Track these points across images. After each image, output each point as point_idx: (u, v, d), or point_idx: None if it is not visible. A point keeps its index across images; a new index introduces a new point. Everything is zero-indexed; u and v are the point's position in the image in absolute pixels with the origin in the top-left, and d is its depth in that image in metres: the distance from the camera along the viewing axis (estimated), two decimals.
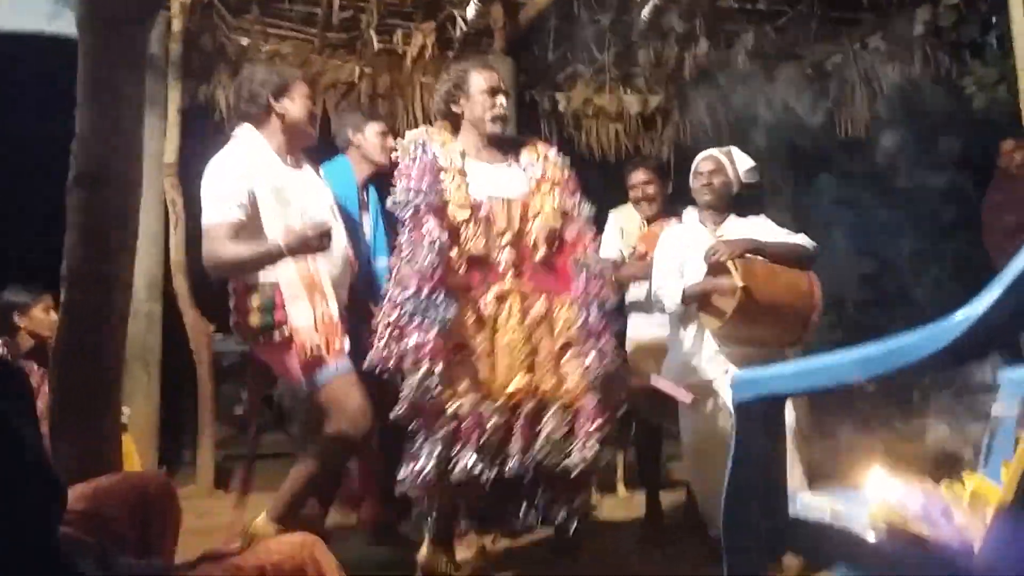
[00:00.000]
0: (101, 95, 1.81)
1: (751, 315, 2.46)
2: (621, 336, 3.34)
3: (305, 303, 2.20)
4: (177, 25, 4.11)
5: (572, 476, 2.25)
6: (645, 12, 3.68)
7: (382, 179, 2.75)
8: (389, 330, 2.16)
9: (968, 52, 4.83)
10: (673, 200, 3.38)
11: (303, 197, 2.36)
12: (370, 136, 2.90)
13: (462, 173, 2.35)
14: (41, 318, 3.22)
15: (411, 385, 2.11)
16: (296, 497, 2.24)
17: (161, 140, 4.01)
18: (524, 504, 2.29)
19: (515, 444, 2.20)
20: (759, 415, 1.41)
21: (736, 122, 5.22)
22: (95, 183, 1.80)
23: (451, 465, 2.13)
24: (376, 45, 4.51)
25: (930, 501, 1.24)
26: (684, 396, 2.58)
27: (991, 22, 4.80)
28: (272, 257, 2.16)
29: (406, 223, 2.25)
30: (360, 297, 2.57)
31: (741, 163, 2.86)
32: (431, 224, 2.20)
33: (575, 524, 2.30)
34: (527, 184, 2.42)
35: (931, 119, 5.83)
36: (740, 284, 2.44)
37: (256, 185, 2.25)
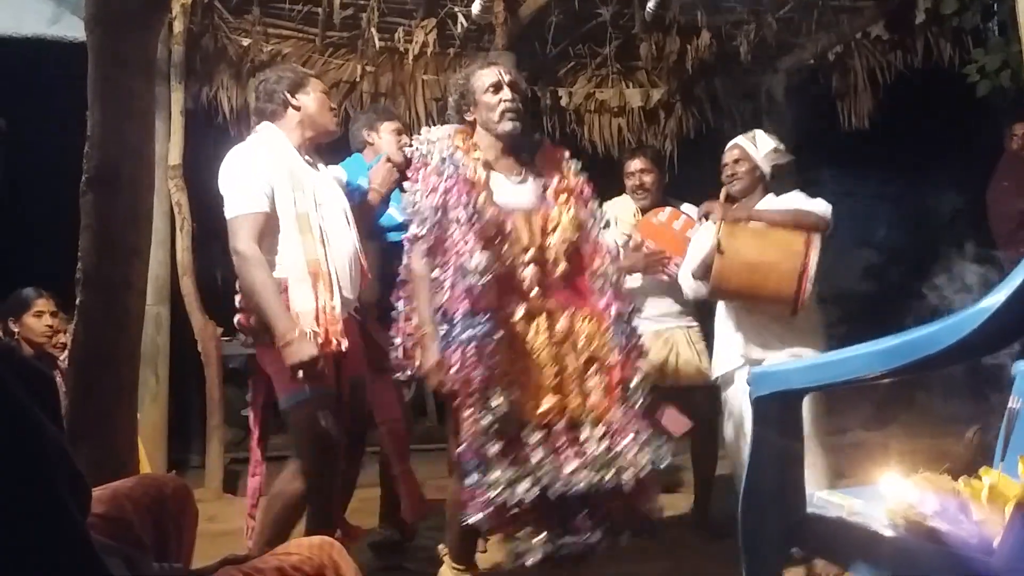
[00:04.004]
0: (111, 97, 1.81)
1: (734, 271, 2.51)
2: None
3: (308, 289, 2.16)
4: (178, 27, 4.10)
5: (629, 487, 2.18)
6: (650, 5, 3.66)
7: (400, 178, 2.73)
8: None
9: (970, 39, 4.80)
10: (675, 192, 3.39)
11: (319, 192, 2.34)
12: (384, 135, 2.89)
13: (488, 187, 2.26)
14: (32, 324, 3.17)
15: (481, 410, 2.06)
16: (276, 528, 2.20)
17: (165, 142, 4.00)
18: (585, 521, 2.19)
19: (567, 465, 2.13)
20: (776, 411, 1.41)
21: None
22: (108, 185, 1.80)
23: (512, 491, 2.05)
24: (377, 43, 4.50)
25: (948, 497, 1.23)
26: (684, 425, 2.49)
27: (992, 9, 4.77)
28: (270, 316, 2.11)
29: (429, 237, 2.19)
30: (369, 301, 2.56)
31: (764, 146, 2.84)
32: (471, 244, 2.13)
33: (648, 530, 2.26)
34: (543, 195, 2.34)
35: (934, 108, 5.82)
36: (714, 242, 2.52)
37: (275, 175, 2.24)
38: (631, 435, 2.20)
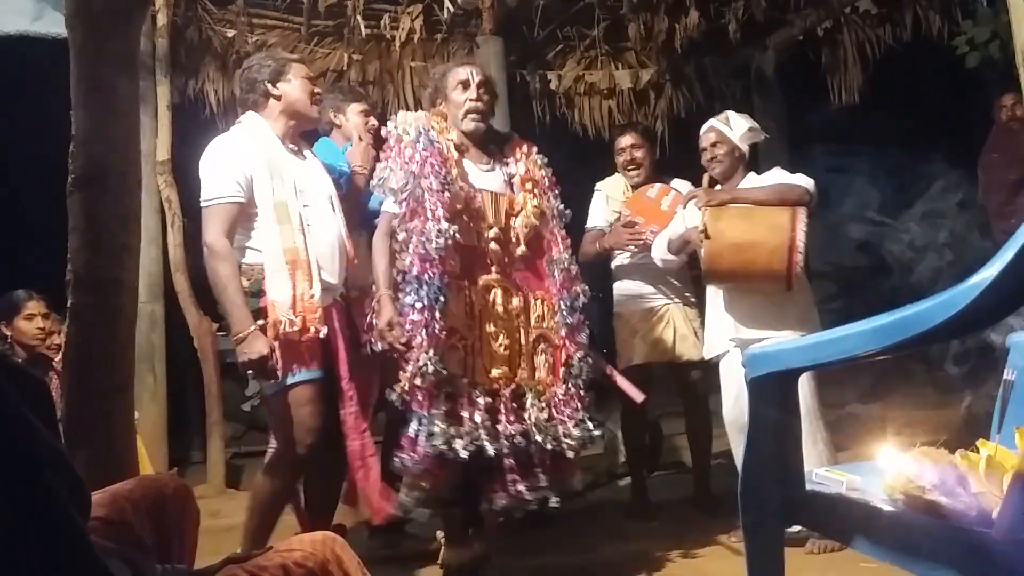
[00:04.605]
0: (95, 95, 1.79)
1: (723, 253, 2.52)
2: (608, 306, 3.37)
3: (286, 277, 2.18)
4: (162, 19, 4.07)
5: (564, 455, 2.36)
6: None
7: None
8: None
9: (959, 11, 4.79)
10: (666, 172, 3.38)
11: (300, 180, 2.33)
12: (352, 116, 2.89)
13: (459, 164, 2.40)
14: (24, 327, 3.14)
15: (416, 364, 2.17)
16: (260, 524, 2.22)
17: (152, 138, 3.97)
18: (515, 482, 2.33)
19: (504, 425, 2.29)
20: (773, 390, 1.41)
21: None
22: (95, 184, 1.78)
23: (451, 444, 2.18)
24: (363, 31, 4.46)
25: (945, 470, 1.24)
26: (637, 395, 2.71)
27: None
28: (228, 310, 2.14)
29: (402, 207, 2.30)
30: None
31: (739, 126, 2.84)
32: (440, 212, 2.26)
33: (557, 501, 2.38)
34: (509, 183, 2.50)
35: (924, 81, 5.80)
36: (700, 227, 2.54)
37: (253, 164, 2.24)
38: (570, 410, 2.38)
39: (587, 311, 3.40)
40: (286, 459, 2.21)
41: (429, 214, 2.26)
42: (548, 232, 2.49)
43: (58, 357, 3.14)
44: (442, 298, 2.22)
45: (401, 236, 2.30)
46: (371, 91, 4.68)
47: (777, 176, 2.78)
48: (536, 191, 2.50)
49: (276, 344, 2.16)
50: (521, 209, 2.44)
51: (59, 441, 1.05)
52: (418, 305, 2.20)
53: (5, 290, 3.25)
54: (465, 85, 2.43)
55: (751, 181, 2.81)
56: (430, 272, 2.22)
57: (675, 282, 3.23)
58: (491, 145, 2.55)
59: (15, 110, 4.26)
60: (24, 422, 0.87)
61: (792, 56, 5.26)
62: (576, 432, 2.37)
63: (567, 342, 2.42)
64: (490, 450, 2.22)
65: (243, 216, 2.21)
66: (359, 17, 4.41)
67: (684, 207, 2.81)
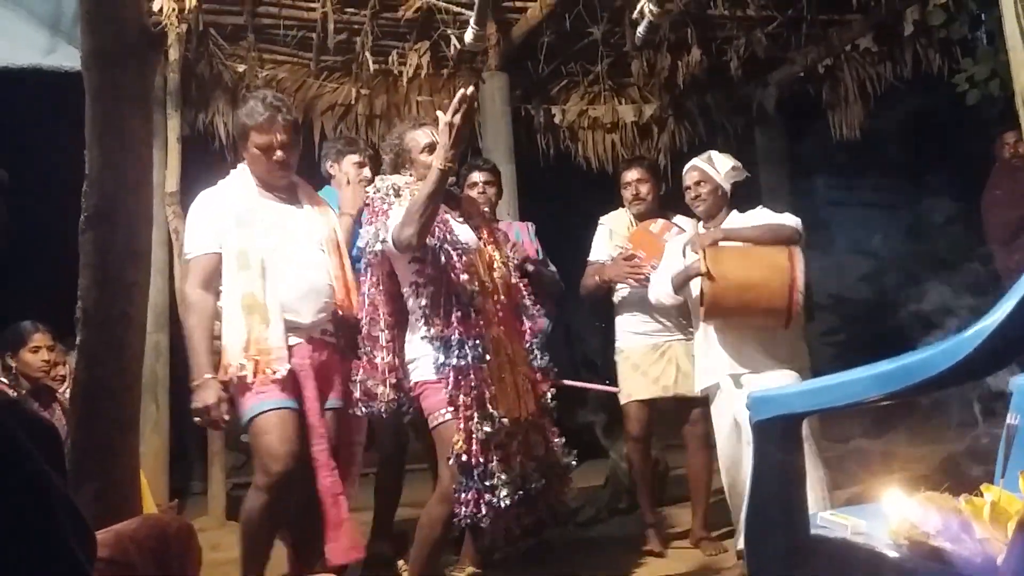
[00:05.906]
0: (109, 134, 1.82)
1: (726, 293, 2.58)
2: (610, 336, 3.38)
3: (240, 322, 2.23)
4: (174, 54, 4.12)
5: (556, 484, 2.44)
6: (640, 29, 3.70)
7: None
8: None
9: (958, 49, 4.85)
10: (668, 205, 3.41)
11: (280, 224, 2.37)
12: (346, 166, 2.94)
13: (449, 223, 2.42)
14: (29, 360, 3.16)
15: (478, 424, 2.21)
16: (249, 553, 2.22)
17: (162, 169, 4.01)
18: (527, 519, 2.41)
19: (528, 467, 2.33)
20: (776, 434, 1.42)
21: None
22: (107, 222, 1.81)
23: (509, 492, 2.23)
24: (372, 67, 4.54)
25: (950, 516, 1.24)
26: (611, 389, 3.10)
27: (980, 19, 4.82)
28: (190, 357, 2.24)
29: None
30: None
31: (722, 165, 2.89)
32: (464, 274, 2.30)
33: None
34: (478, 237, 2.51)
35: (924, 118, 5.87)
36: (703, 269, 2.59)
37: (224, 216, 2.31)
38: (556, 440, 2.47)
39: (588, 342, 3.43)
40: (260, 487, 2.20)
41: (452, 276, 2.28)
42: (511, 281, 2.55)
43: (62, 388, 3.14)
44: (482, 355, 2.25)
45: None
46: (378, 125, 4.75)
47: (763, 215, 2.83)
48: (497, 242, 2.57)
49: (227, 392, 2.22)
50: (493, 261, 2.49)
51: (67, 486, 1.05)
52: (463, 364, 2.22)
53: (10, 321, 3.27)
54: (431, 148, 2.41)
55: (735, 219, 2.86)
56: (465, 333, 2.24)
57: (677, 317, 3.24)
58: (454, 199, 2.58)
59: (27, 142, 4.31)
60: (35, 467, 0.88)
61: (793, 92, 5.33)
62: (563, 459, 2.48)
63: (543, 380, 2.51)
64: (535, 490, 2.29)
65: (220, 266, 2.30)
66: (368, 53, 4.48)
67: (684, 255, 2.83)
